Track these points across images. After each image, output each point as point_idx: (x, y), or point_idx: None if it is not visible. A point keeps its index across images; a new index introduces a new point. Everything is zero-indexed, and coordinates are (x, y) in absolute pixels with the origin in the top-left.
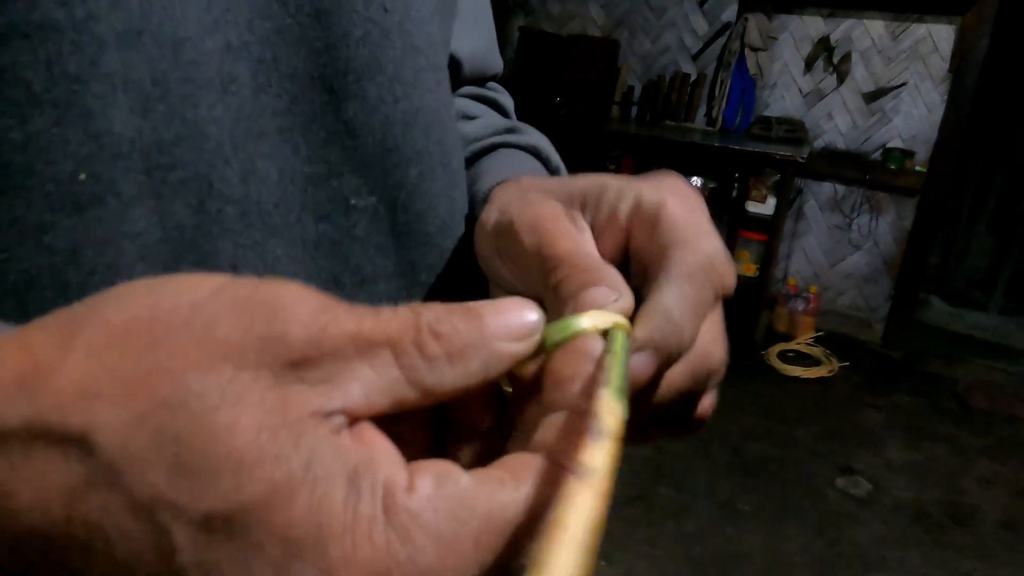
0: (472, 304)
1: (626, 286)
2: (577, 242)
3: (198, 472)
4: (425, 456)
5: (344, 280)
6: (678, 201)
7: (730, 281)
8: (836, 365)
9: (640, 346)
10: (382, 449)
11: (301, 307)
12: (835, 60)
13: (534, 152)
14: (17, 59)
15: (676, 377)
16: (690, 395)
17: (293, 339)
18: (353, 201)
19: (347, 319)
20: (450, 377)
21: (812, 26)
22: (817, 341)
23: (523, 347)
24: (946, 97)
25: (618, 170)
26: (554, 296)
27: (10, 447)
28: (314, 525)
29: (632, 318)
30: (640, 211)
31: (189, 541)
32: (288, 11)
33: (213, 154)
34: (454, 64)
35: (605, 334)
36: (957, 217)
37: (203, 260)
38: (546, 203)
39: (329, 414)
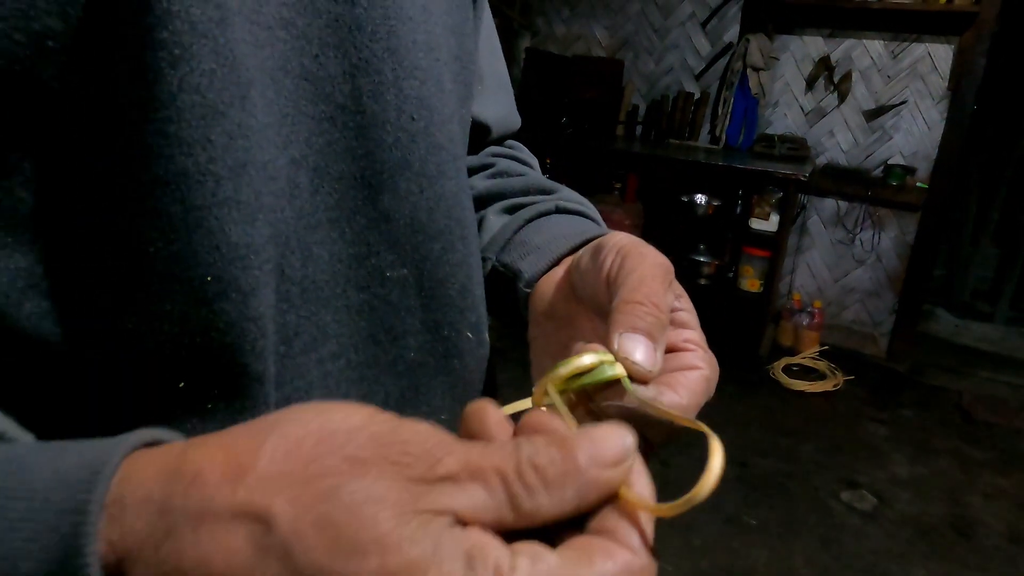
0: (569, 435)
1: (662, 351)
2: (664, 295)
3: (351, 551)
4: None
5: (380, 338)
6: (704, 355)
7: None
8: (841, 379)
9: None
10: (489, 538)
11: (426, 442)
12: (836, 79)
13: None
14: (161, 199)
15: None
16: None
17: (418, 464)
18: (388, 273)
19: (462, 452)
20: (546, 504)
21: (813, 46)
22: (822, 355)
23: (616, 473)
24: (945, 115)
25: (623, 188)
26: (612, 316)
27: (212, 522)
28: None
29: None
30: (683, 335)
31: None
32: (337, 127)
33: (284, 247)
34: (483, 129)
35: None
36: (961, 230)
37: (279, 331)
38: (665, 266)
39: (445, 512)
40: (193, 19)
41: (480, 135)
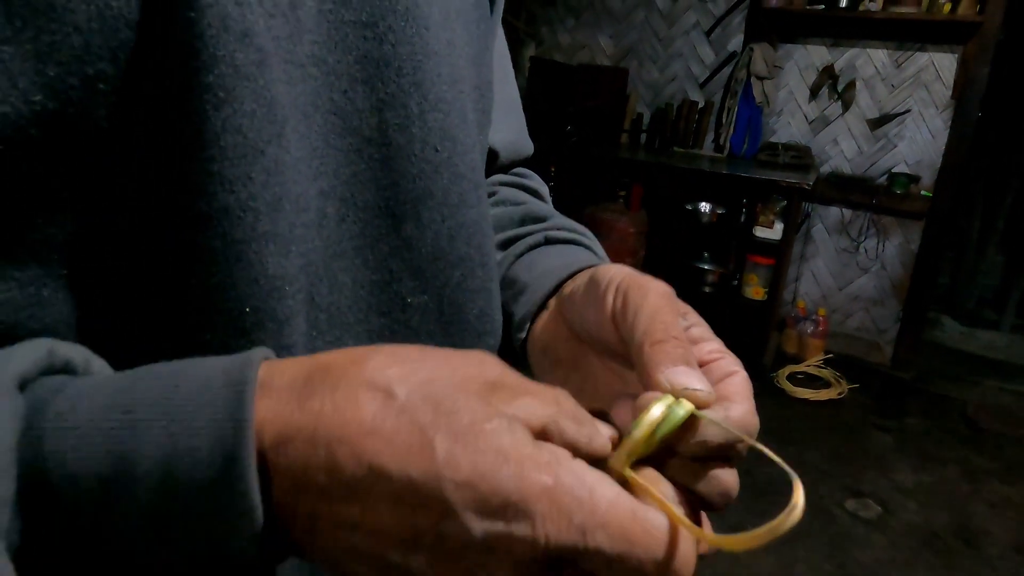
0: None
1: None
2: (683, 332)
3: (449, 414)
4: None
5: None
6: (744, 381)
7: (743, 451)
8: (845, 387)
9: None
10: (556, 446)
11: (492, 360)
12: (840, 88)
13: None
14: (204, 234)
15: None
16: (709, 502)
17: (489, 373)
18: (409, 299)
19: (517, 375)
20: (572, 428)
21: (816, 55)
22: (826, 363)
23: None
24: (949, 123)
25: (628, 197)
26: (644, 358)
27: (343, 390)
28: (515, 450)
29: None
30: (718, 364)
31: (443, 445)
32: (363, 159)
33: (313, 276)
34: (491, 154)
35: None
36: (966, 238)
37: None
38: (672, 296)
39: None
40: (236, 63)
41: (488, 161)
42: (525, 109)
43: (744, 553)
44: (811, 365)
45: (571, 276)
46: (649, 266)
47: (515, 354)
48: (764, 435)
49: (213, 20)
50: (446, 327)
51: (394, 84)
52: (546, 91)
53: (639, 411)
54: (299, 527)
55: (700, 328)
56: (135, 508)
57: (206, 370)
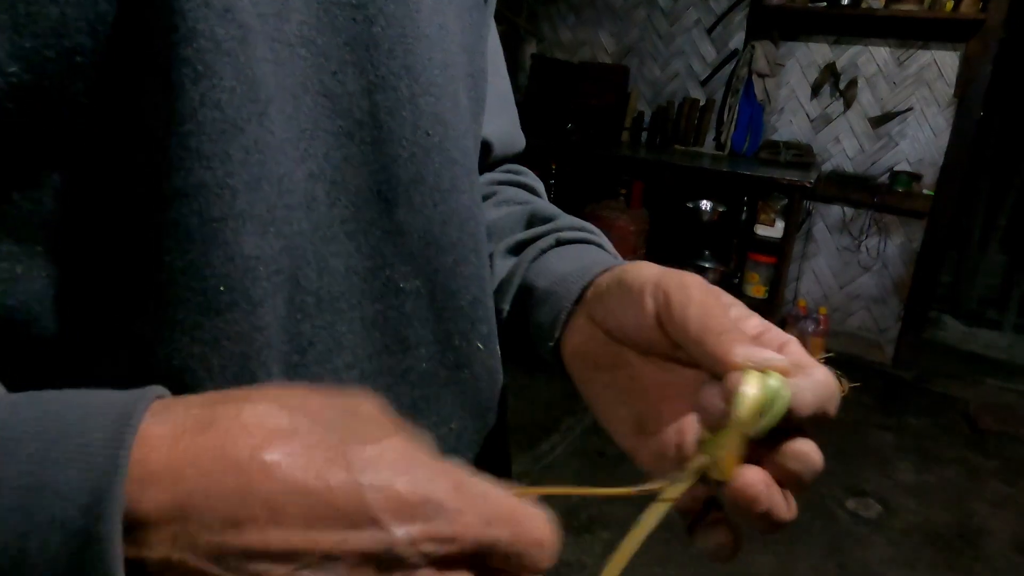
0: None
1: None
2: (734, 319)
3: (357, 439)
4: None
5: (392, 348)
6: (799, 345)
7: (835, 408)
8: (846, 386)
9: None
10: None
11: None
12: (841, 86)
13: (615, 258)
14: (180, 211)
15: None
16: (796, 479)
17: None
18: (402, 285)
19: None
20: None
21: (818, 53)
22: (827, 362)
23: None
24: (952, 121)
25: (629, 195)
26: (710, 354)
27: (254, 405)
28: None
29: None
30: (767, 336)
31: (356, 452)
32: (354, 142)
33: (300, 259)
34: (484, 147)
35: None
36: (968, 237)
37: (291, 340)
38: (710, 286)
39: None
40: (217, 37)
41: (482, 153)
42: (526, 107)
43: (744, 552)
44: None
45: (594, 280)
46: None
47: (517, 357)
48: None
49: None
50: (439, 313)
51: (384, 67)
52: (547, 89)
53: (730, 391)
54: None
55: (738, 308)
56: None
57: (76, 414)
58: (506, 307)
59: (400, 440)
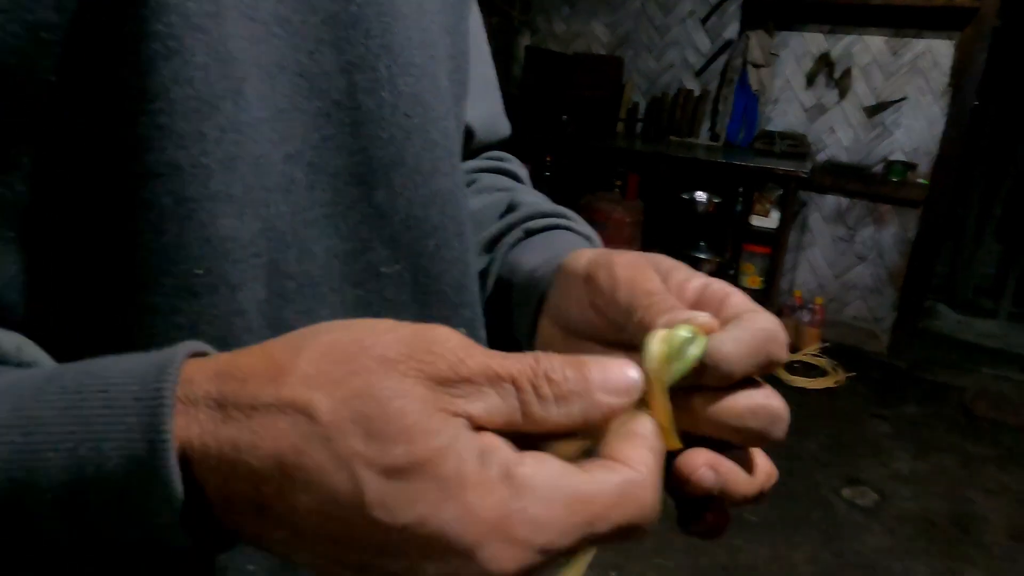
0: (584, 358)
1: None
2: (663, 286)
3: (382, 439)
4: None
5: None
6: (742, 296)
7: (783, 354)
8: (843, 376)
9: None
10: (500, 441)
11: (448, 343)
12: (836, 75)
13: (588, 239)
14: (153, 191)
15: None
16: (757, 436)
17: (440, 363)
18: (383, 269)
19: (481, 355)
20: (554, 414)
21: (813, 42)
22: (823, 352)
23: (620, 401)
24: (946, 111)
25: (624, 186)
26: (638, 326)
27: (260, 414)
28: (458, 479)
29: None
30: (709, 291)
31: (374, 483)
32: (332, 123)
33: (279, 241)
34: (467, 133)
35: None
36: (963, 226)
37: (271, 324)
38: (638, 259)
39: (461, 415)
40: (188, 12)
41: (464, 139)
42: (521, 99)
43: (741, 541)
44: (808, 354)
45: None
46: None
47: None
48: None
49: None
50: (421, 298)
51: (362, 46)
52: (542, 80)
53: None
54: (242, 523)
55: (678, 271)
56: (42, 525)
57: (116, 377)
58: (483, 303)
59: (440, 444)
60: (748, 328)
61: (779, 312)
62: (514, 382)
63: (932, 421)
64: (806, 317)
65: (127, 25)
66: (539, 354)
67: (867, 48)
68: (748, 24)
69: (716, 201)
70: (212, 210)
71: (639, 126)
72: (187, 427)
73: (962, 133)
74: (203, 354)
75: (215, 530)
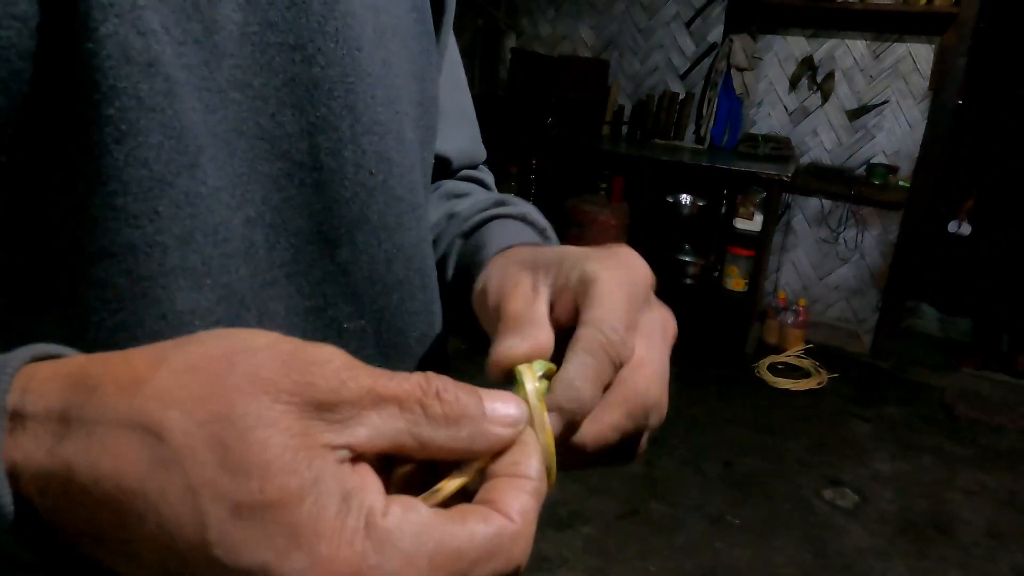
0: (475, 387)
1: (537, 335)
2: (526, 303)
3: (236, 471)
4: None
5: None
6: (612, 276)
7: (626, 353)
8: (825, 377)
9: (550, 408)
10: (371, 481)
11: (330, 364)
12: (819, 79)
13: (523, 219)
14: (107, 272)
15: (613, 417)
16: (632, 432)
17: (319, 386)
18: (346, 325)
19: (365, 377)
20: (443, 436)
21: (796, 46)
22: (807, 353)
23: (506, 433)
24: (927, 114)
25: (609, 189)
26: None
27: (105, 429)
28: (312, 526)
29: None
30: (580, 283)
31: (219, 520)
32: (294, 184)
33: (239, 306)
34: (444, 162)
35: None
36: (944, 227)
37: None
38: (515, 273)
39: (336, 447)
40: (140, 94)
41: (442, 167)
42: (507, 101)
43: (722, 544)
44: (792, 355)
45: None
46: None
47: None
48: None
49: (114, 51)
50: (384, 351)
51: (325, 107)
52: (527, 83)
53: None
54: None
55: (567, 265)
56: None
57: None
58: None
59: (300, 484)
60: (587, 356)
61: (763, 314)
62: (400, 403)
63: (913, 421)
64: (790, 318)
65: (79, 109)
66: (430, 374)
67: (849, 52)
68: (732, 28)
69: (700, 204)
70: (168, 286)
71: (624, 129)
72: (15, 442)
73: (942, 136)
74: (55, 356)
75: (60, 544)
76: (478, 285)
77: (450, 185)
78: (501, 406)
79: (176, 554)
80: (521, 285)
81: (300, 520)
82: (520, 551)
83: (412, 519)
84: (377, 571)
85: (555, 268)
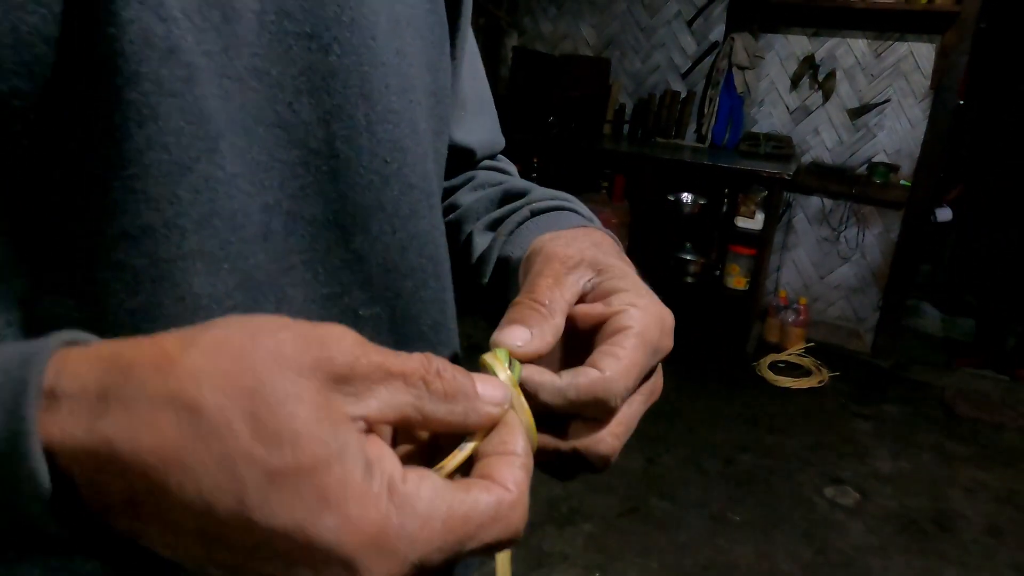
0: (465, 370)
1: (546, 332)
2: (551, 288)
3: (269, 441)
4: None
5: None
6: (645, 326)
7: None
8: (826, 375)
9: (557, 390)
10: (387, 451)
11: (344, 340)
12: (820, 78)
13: (589, 220)
14: (127, 254)
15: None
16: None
17: (337, 361)
18: (361, 312)
19: (375, 354)
20: (443, 410)
21: (797, 45)
22: (807, 352)
23: (495, 411)
24: (928, 113)
25: (611, 187)
26: None
27: (144, 407)
28: (341, 490)
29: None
30: (615, 321)
31: (256, 486)
32: (310, 172)
33: (256, 291)
34: (468, 153)
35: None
36: (945, 226)
37: None
38: (562, 252)
39: (355, 419)
40: (161, 79)
41: (466, 159)
42: (508, 100)
43: (723, 541)
44: (792, 354)
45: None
46: (632, 257)
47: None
48: (746, 423)
49: (135, 36)
50: (399, 339)
51: (340, 95)
52: (529, 81)
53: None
54: (118, 515)
55: (614, 280)
56: None
57: None
58: (485, 280)
59: (328, 450)
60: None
61: (764, 313)
62: (405, 379)
63: (913, 420)
64: (791, 317)
65: (100, 93)
66: (430, 354)
67: (850, 51)
68: (733, 26)
69: (702, 202)
70: (186, 269)
71: (626, 127)
72: (53, 419)
73: (943, 135)
74: (85, 342)
75: (95, 521)
76: (535, 245)
77: (484, 176)
78: (490, 387)
79: (215, 519)
80: (558, 267)
81: (330, 484)
82: (518, 518)
83: (428, 485)
84: (399, 530)
85: (600, 272)
